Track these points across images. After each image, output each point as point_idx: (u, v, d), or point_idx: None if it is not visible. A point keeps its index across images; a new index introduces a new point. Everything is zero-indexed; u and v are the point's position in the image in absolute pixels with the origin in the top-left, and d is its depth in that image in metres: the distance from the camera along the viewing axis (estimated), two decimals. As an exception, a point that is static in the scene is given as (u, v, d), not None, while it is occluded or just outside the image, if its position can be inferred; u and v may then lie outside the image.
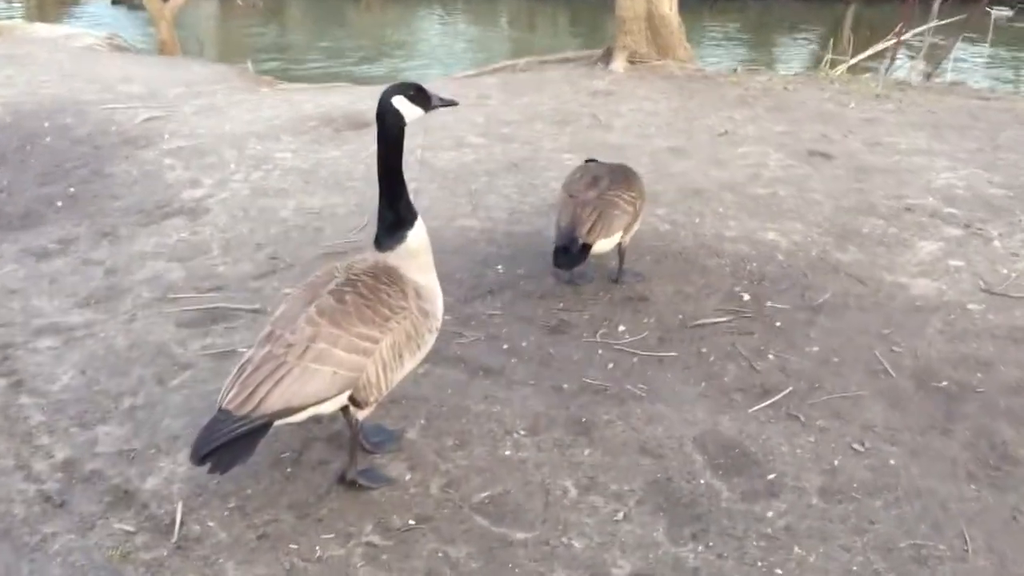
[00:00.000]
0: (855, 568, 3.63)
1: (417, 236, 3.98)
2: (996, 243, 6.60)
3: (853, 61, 12.02)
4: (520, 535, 3.79)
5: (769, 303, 5.81)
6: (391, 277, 3.89)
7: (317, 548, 3.67)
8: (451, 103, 4.13)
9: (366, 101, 10.77)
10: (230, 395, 3.51)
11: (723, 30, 22.72)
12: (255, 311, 5.63)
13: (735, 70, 12.12)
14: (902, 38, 12.84)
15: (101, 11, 25.47)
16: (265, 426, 3.54)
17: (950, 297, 5.85)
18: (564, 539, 3.78)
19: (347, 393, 3.72)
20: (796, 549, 3.73)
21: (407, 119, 3.92)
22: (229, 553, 3.62)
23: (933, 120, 9.59)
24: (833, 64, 11.98)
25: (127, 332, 5.38)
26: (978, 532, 3.82)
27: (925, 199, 7.38)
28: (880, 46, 12.49)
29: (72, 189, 7.97)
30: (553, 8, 26.88)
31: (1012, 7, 20.14)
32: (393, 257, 3.96)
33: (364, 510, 3.90)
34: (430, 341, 3.98)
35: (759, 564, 3.65)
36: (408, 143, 8.95)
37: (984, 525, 3.87)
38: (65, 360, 5.05)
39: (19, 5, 26.18)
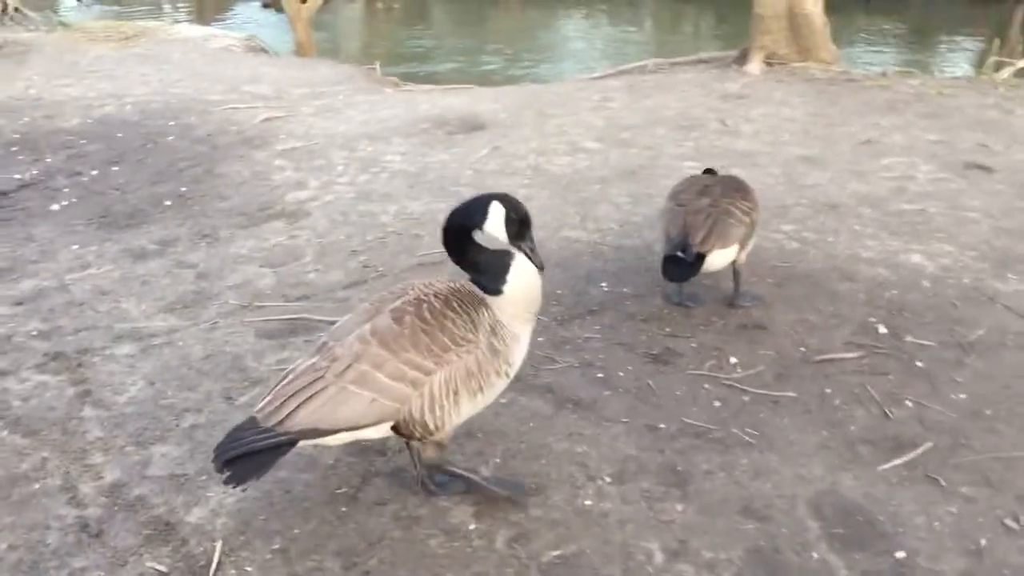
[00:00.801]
0: None
1: (514, 284, 3.50)
2: None
3: (1019, 65, 10.79)
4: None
5: (909, 338, 5.05)
6: (465, 304, 3.43)
7: (358, 611, 3.25)
8: (538, 264, 3.54)
9: (484, 103, 10.45)
10: (263, 402, 3.29)
11: (878, 31, 21.29)
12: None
13: (884, 73, 11.11)
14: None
15: (252, 13, 26.25)
16: (290, 444, 3.23)
17: None
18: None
19: (388, 424, 3.36)
20: (927, 655, 3.06)
21: (484, 229, 3.45)
22: (262, 605, 3.25)
23: (1120, 130, 8.43)
24: (998, 67, 10.80)
25: (206, 341, 5.14)
26: None
27: (1107, 221, 6.38)
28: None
29: (183, 188, 7.92)
30: (698, 10, 25.96)
31: None
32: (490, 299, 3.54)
33: (418, 563, 3.46)
34: (498, 386, 3.51)
35: (878, 670, 3.00)
36: (522, 148, 8.60)
37: None
38: (137, 370, 4.84)
39: (184, 7, 27.27)
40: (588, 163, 8.05)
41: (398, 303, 3.42)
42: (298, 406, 3.22)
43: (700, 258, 4.91)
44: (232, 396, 4.58)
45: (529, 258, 3.48)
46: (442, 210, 7.04)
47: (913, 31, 21.77)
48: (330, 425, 3.26)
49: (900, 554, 3.49)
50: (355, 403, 3.26)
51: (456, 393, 3.36)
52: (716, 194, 5.17)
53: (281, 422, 3.21)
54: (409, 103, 10.70)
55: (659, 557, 3.50)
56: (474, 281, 3.54)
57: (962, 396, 4.52)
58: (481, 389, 3.42)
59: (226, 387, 4.66)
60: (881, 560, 3.47)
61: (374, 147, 8.78)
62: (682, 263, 4.91)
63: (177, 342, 5.15)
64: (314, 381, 3.26)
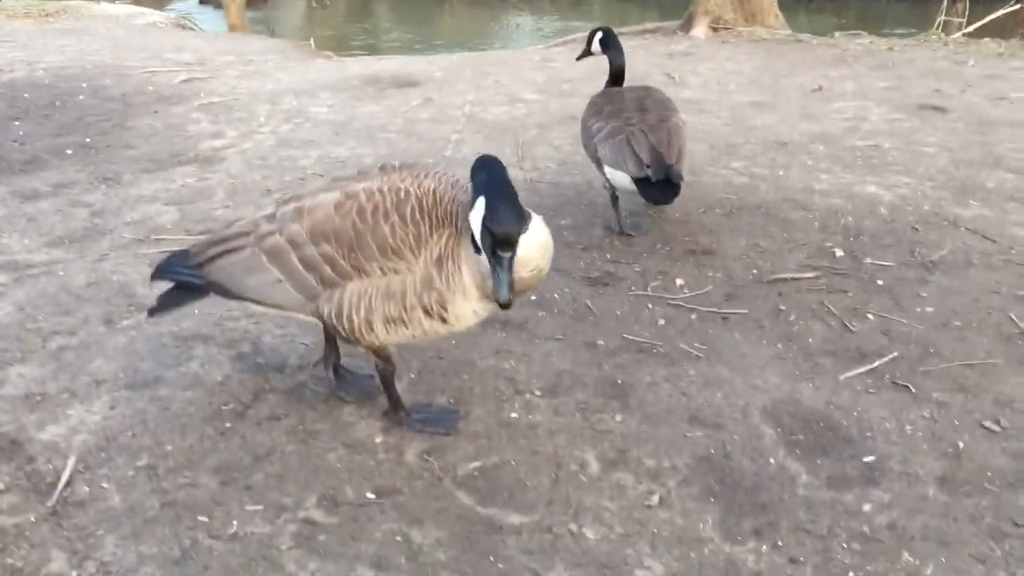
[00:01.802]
0: (994, 586, 2.49)
1: (530, 241, 2.63)
2: None
3: (971, 28, 10.59)
4: (514, 519, 2.76)
5: (869, 260, 4.65)
6: (429, 217, 2.78)
7: (234, 523, 2.71)
8: (495, 292, 2.55)
9: (419, 65, 9.95)
10: (203, 239, 3.19)
11: (827, 22, 21.21)
12: (242, 253, 4.75)
13: (833, 34, 10.83)
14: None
15: (188, 8, 25.46)
16: (201, 289, 3.04)
17: (1106, 256, 4.59)
18: (573, 526, 2.74)
19: (303, 313, 2.98)
20: (906, 556, 2.60)
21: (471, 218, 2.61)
22: (114, 524, 2.69)
23: (1071, 76, 8.20)
24: (947, 28, 10.59)
25: (91, 271, 4.55)
26: None
27: (1067, 152, 6.08)
28: (1003, 11, 11.01)
29: (88, 140, 7.27)
30: (642, 10, 25.75)
31: None
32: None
33: (312, 477, 2.93)
34: (428, 326, 2.84)
35: (850, 574, 2.53)
36: (456, 100, 8.12)
37: None
38: (7, 297, 4.23)
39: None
40: (526, 111, 7.59)
41: (368, 183, 2.91)
42: (218, 255, 2.99)
43: (681, 177, 4.52)
44: (113, 320, 4.00)
45: (494, 274, 2.54)
46: (368, 154, 6.55)
47: (858, 19, 21.76)
48: (237, 289, 2.98)
49: (869, 458, 3.05)
50: (262, 277, 2.93)
51: (369, 311, 2.82)
52: (656, 108, 4.82)
53: (203, 265, 3.00)
54: (341, 68, 10.16)
55: (594, 467, 3.02)
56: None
57: (928, 309, 4.12)
58: (403, 321, 2.82)
59: (108, 311, 4.09)
60: (848, 464, 3.03)
61: (299, 101, 8.22)
62: (667, 184, 4.48)
63: (58, 272, 4.55)
64: (242, 235, 2.99)
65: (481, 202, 2.53)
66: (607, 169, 4.77)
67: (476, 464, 3.00)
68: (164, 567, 2.53)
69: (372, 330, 2.86)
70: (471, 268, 2.72)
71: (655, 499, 2.85)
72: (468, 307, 2.79)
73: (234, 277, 2.95)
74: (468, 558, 2.59)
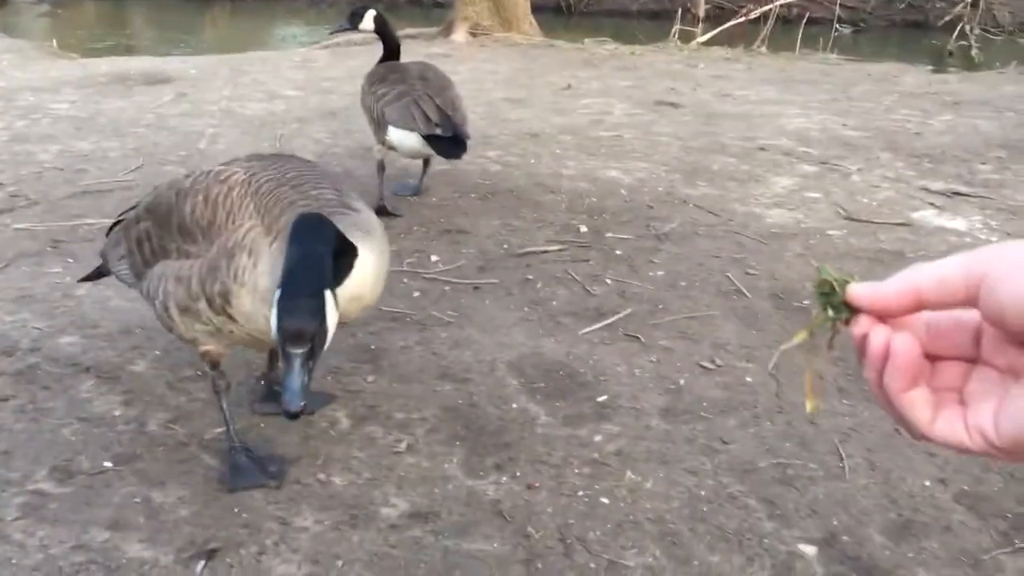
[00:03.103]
0: (704, 493, 2.77)
1: (359, 275, 2.33)
2: (855, 177, 6.03)
3: (704, 38, 11.59)
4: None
5: (609, 234, 4.99)
6: (227, 198, 2.47)
7: (-49, 501, 2.53)
8: (289, 395, 2.10)
9: (172, 64, 9.59)
10: None
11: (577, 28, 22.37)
12: (-33, 244, 4.42)
13: (583, 41, 11.50)
14: (750, 16, 12.55)
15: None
16: (100, 271, 3.09)
17: (809, 224, 5.19)
18: (321, 476, 2.77)
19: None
20: (629, 474, 2.84)
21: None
22: None
23: (784, 76, 9.16)
24: (684, 37, 11.52)
25: None
26: (855, 449, 3.03)
27: (779, 140, 6.79)
28: (731, 23, 12.12)
29: None
30: (408, 16, 26.01)
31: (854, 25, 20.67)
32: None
33: (43, 451, 2.79)
34: (222, 326, 2.49)
35: (580, 494, 2.74)
36: (212, 96, 7.92)
37: (861, 441, 3.08)
38: None
39: None
40: (285, 107, 7.52)
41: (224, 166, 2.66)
42: (112, 226, 2.98)
43: (468, 135, 4.91)
44: None
45: (284, 376, 2.13)
46: (115, 148, 6.27)
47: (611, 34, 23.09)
48: (112, 266, 2.91)
49: (602, 398, 3.30)
50: (118, 251, 2.84)
51: (166, 295, 2.54)
52: (437, 79, 5.19)
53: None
54: (87, 66, 9.60)
55: (345, 423, 3.07)
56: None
57: (659, 273, 4.49)
58: (193, 312, 2.49)
59: None
60: (584, 405, 3.26)
61: (38, 97, 7.72)
62: (456, 141, 4.82)
63: None
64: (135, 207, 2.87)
65: (277, 292, 2.15)
66: (392, 132, 4.95)
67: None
68: None
69: (172, 319, 2.57)
70: (273, 272, 2.29)
71: (403, 446, 2.95)
72: (259, 310, 2.34)
73: (109, 250, 2.93)
74: (212, 512, 2.56)
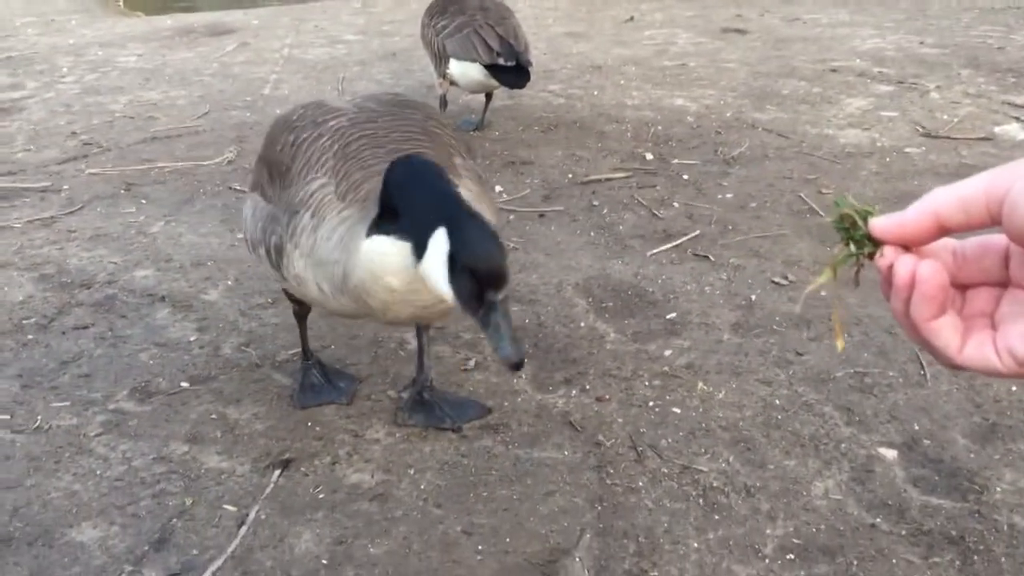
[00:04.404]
0: (778, 402, 2.71)
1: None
2: (934, 94, 5.78)
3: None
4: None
5: (676, 160, 4.89)
6: (320, 151, 2.21)
7: (38, 418, 2.62)
8: (507, 356, 1.79)
9: (236, 15, 9.66)
10: None
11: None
12: (44, 190, 4.54)
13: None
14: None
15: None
16: None
17: (885, 143, 5.00)
18: (391, 392, 2.79)
19: None
20: (701, 385, 2.79)
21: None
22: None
23: (856, -1, 8.82)
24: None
25: None
26: (935, 357, 2.93)
27: (852, 61, 6.55)
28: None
29: None
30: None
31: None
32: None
33: (122, 374, 2.87)
34: (274, 275, 2.40)
35: (651, 404, 2.71)
36: (274, 44, 7.95)
37: (942, 350, 2.97)
38: None
39: None
40: (347, 51, 7.52)
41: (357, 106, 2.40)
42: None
43: (530, 63, 4.92)
44: (-100, 257, 3.75)
45: (488, 330, 1.81)
46: (182, 96, 6.34)
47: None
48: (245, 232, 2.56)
49: (671, 315, 3.24)
50: (245, 208, 2.55)
51: (251, 229, 2.42)
52: (497, 8, 5.14)
53: None
54: (152, 22, 9.75)
55: (413, 343, 3.07)
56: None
57: (728, 196, 4.38)
58: (260, 253, 2.38)
59: None
60: (653, 322, 3.21)
61: (106, 52, 7.85)
62: (519, 69, 4.84)
63: None
64: None
65: (440, 233, 1.80)
66: (454, 64, 4.96)
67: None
68: (-37, 466, 2.43)
69: (254, 251, 2.44)
70: (335, 243, 2.07)
71: (472, 363, 2.95)
72: (309, 276, 2.15)
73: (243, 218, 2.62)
74: (286, 426, 2.60)
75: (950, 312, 0.79)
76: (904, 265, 0.79)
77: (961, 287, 0.81)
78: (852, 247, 0.83)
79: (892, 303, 0.81)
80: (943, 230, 0.77)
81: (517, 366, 1.80)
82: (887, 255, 0.80)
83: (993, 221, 0.73)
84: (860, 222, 0.82)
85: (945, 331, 0.78)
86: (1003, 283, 0.80)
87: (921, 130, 5.15)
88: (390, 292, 2.00)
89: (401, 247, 1.90)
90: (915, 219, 0.77)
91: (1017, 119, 5.27)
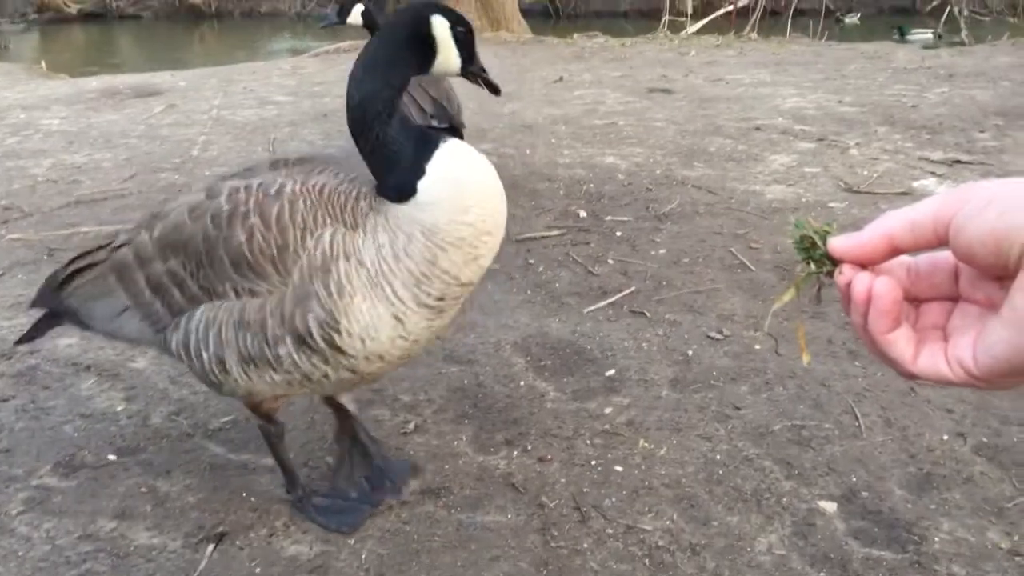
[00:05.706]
0: (719, 457, 2.72)
1: (438, 181, 1.96)
2: (853, 151, 5.99)
3: (694, 27, 11.58)
4: (268, 461, 2.70)
5: (609, 217, 4.95)
6: (295, 215, 2.01)
7: (-46, 499, 2.48)
8: (494, 86, 2.31)
9: (163, 76, 9.58)
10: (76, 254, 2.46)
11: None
12: (-39, 255, 4.39)
13: (572, 36, 11.49)
14: (739, 4, 12.55)
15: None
16: (56, 316, 2.49)
17: (809, 198, 5.15)
18: (328, 458, 2.73)
19: (159, 349, 2.31)
20: (642, 443, 2.79)
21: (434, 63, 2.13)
22: None
23: (776, 60, 9.14)
24: (673, 28, 11.51)
25: None
26: (870, 408, 2.98)
27: (775, 119, 6.76)
28: (720, 12, 12.12)
29: None
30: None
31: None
32: (392, 214, 1.97)
33: (45, 448, 2.75)
34: (310, 370, 2.06)
35: (593, 463, 2.69)
36: (203, 105, 7.89)
37: (876, 400, 3.04)
38: None
39: None
40: (277, 112, 7.50)
41: (238, 181, 2.14)
42: (71, 273, 2.36)
43: (463, 124, 4.89)
44: None
45: (483, 80, 2.24)
46: (107, 159, 6.23)
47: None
48: (87, 318, 2.34)
49: (610, 372, 3.25)
50: (110, 303, 2.26)
51: (219, 346, 2.08)
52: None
53: (60, 285, 2.38)
54: (76, 84, 9.60)
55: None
56: (379, 191, 2.01)
57: (662, 251, 4.45)
58: (268, 361, 2.05)
59: None
60: (592, 379, 3.21)
61: (28, 115, 7.70)
62: (452, 131, 4.71)
63: None
64: (101, 247, 2.36)
65: (438, 20, 2.03)
66: None
67: (228, 419, 2.93)
68: None
69: (227, 372, 2.12)
70: (384, 261, 1.95)
71: (411, 426, 2.90)
72: (382, 314, 1.97)
73: (84, 303, 2.33)
74: (220, 497, 2.52)
75: (905, 325, 0.84)
76: (861, 282, 0.84)
77: (916, 301, 0.87)
78: (812, 266, 0.87)
79: (852, 317, 0.85)
80: (896, 250, 0.82)
81: (497, 90, 2.28)
82: (845, 273, 0.85)
83: (940, 242, 0.79)
84: (819, 242, 0.86)
85: (900, 343, 0.83)
86: (954, 298, 0.85)
87: (843, 185, 5.32)
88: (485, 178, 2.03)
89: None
90: (870, 240, 0.83)
91: (933, 174, 5.49)
